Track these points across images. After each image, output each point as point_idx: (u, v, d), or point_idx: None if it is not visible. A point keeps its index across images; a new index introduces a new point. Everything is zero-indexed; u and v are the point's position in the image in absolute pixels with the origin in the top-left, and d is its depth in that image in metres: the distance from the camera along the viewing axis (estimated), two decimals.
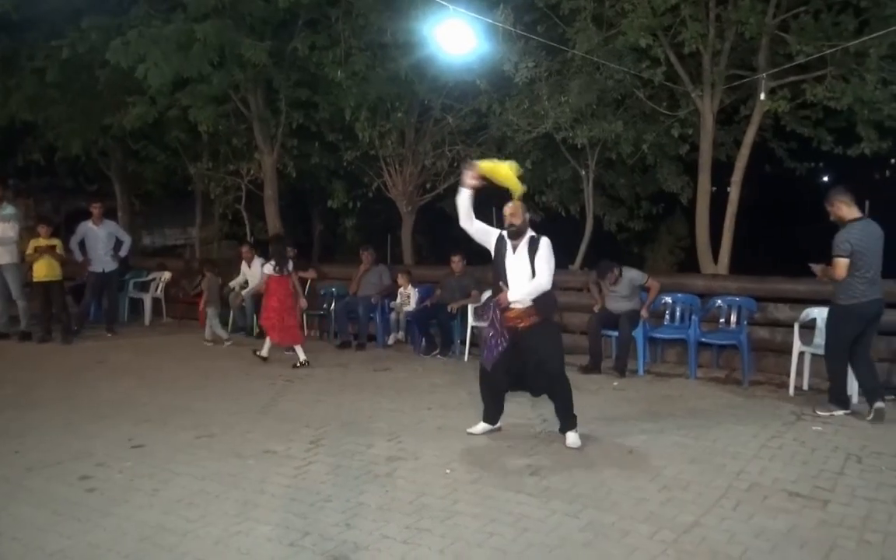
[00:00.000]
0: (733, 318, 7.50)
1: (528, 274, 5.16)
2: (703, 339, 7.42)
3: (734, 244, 8.90)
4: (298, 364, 7.87)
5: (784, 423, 5.66)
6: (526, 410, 6.07)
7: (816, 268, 6.01)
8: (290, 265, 8.30)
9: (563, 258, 10.21)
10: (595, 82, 8.85)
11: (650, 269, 9.65)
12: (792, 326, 6.77)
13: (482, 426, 5.47)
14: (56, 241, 9.57)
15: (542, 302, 5.21)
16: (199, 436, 5.47)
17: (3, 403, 6.51)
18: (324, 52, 9.79)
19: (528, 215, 5.34)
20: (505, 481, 4.50)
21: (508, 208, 5.25)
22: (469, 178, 5.18)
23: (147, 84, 9.23)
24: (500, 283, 5.24)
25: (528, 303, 5.16)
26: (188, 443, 5.32)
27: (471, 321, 8.41)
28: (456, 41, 8.01)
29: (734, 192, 8.87)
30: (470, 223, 5.30)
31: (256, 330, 9.78)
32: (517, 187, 5.26)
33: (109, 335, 9.99)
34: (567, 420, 5.28)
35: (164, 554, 3.60)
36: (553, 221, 11.91)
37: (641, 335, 7.51)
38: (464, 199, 5.22)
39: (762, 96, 8.17)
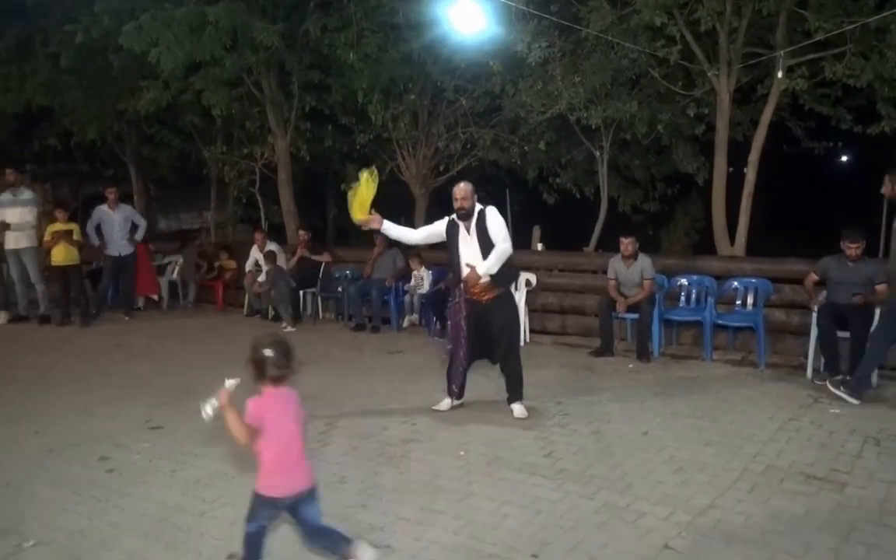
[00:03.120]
0: (750, 300, 7.44)
1: (481, 250, 5.24)
2: (719, 321, 7.35)
3: (751, 226, 8.81)
4: None
5: (801, 406, 5.62)
6: (539, 392, 6.07)
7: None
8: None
9: (577, 240, 10.22)
10: (609, 62, 8.76)
11: (665, 251, 9.60)
12: (809, 308, 6.71)
13: (447, 402, 5.60)
14: (73, 226, 9.64)
15: (503, 273, 5.34)
16: (217, 417, 5.50)
17: (23, 385, 6.60)
18: (336, 34, 9.75)
19: (475, 195, 5.38)
20: (519, 463, 4.51)
21: (459, 191, 5.30)
22: (374, 224, 5.40)
23: (160, 68, 9.25)
24: (465, 265, 5.30)
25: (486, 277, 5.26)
26: (205, 424, 5.33)
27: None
28: (468, 21, 7.97)
29: (751, 172, 8.77)
30: (414, 236, 5.59)
31: (272, 313, 9.84)
32: (361, 205, 5.35)
33: (126, 318, 10.07)
34: (516, 391, 5.49)
35: (181, 534, 3.64)
36: (567, 203, 11.90)
37: (657, 317, 7.46)
38: (390, 231, 5.48)
39: (780, 74, 8.05)
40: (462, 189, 5.30)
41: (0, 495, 4.16)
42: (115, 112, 11.42)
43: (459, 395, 5.64)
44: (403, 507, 3.89)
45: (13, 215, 9.48)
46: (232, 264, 11.13)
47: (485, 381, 6.05)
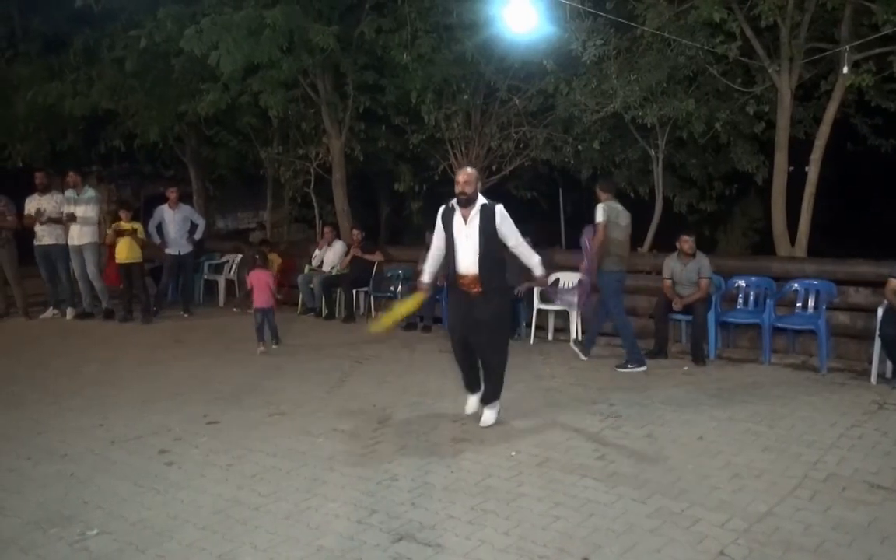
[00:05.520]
0: (811, 303, 7.22)
1: (479, 242, 5.08)
2: (779, 324, 7.16)
3: (812, 226, 8.55)
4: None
5: (865, 412, 5.43)
6: (592, 394, 6.02)
7: None
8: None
9: (632, 241, 10.07)
10: (666, 59, 8.61)
11: (722, 252, 9.38)
12: (874, 311, 6.47)
13: (472, 399, 5.47)
14: (137, 225, 9.94)
15: (496, 272, 5.16)
16: (271, 414, 5.63)
17: (88, 380, 6.85)
18: (390, 36, 9.84)
19: (479, 184, 5.28)
20: (570, 465, 4.47)
21: (463, 175, 5.16)
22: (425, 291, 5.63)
23: (219, 71, 9.46)
24: (454, 256, 5.20)
25: (476, 271, 5.11)
26: (260, 420, 5.49)
27: (536, 304, 8.36)
28: (522, 20, 7.92)
29: (813, 171, 8.50)
30: (437, 254, 5.41)
31: (325, 311, 9.98)
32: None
33: (186, 315, 10.35)
34: (493, 394, 5.30)
35: (237, 526, 3.73)
36: (621, 203, 11.73)
37: (713, 319, 7.30)
38: (433, 278, 5.54)
39: (845, 70, 7.77)
40: (467, 173, 5.15)
41: (66, 485, 4.32)
42: (176, 114, 11.72)
43: (475, 388, 5.46)
44: (454, 506, 3.90)
45: (76, 213, 9.86)
46: (277, 259, 11.32)
47: (535, 381, 6.02)
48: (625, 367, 6.90)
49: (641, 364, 6.90)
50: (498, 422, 5.31)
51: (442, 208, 5.32)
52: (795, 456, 4.55)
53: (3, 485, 4.32)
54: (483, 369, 5.37)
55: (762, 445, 4.75)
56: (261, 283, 8.11)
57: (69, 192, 10.01)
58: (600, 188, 7.25)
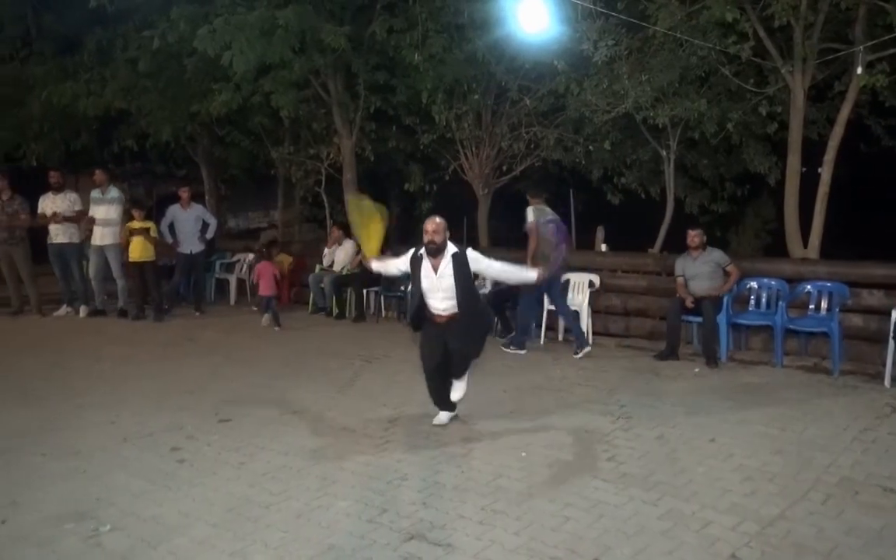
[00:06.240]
0: (824, 305, 7.17)
1: (455, 288, 5.08)
2: (791, 326, 7.12)
3: (826, 228, 8.48)
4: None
5: (878, 416, 5.39)
6: (602, 395, 6.01)
7: None
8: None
9: (642, 241, 10.05)
10: (678, 59, 8.57)
11: (734, 254, 9.32)
12: (888, 314, 6.43)
13: (444, 415, 5.39)
14: (150, 224, 10.01)
15: (471, 299, 5.24)
16: (282, 412, 5.66)
17: (101, 377, 6.90)
18: (401, 36, 9.85)
19: (447, 233, 5.21)
20: (581, 466, 4.47)
21: (431, 224, 5.12)
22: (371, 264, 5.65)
23: (232, 71, 9.51)
24: (429, 299, 5.22)
25: (455, 308, 5.14)
26: (271, 419, 5.51)
27: (546, 305, 8.35)
28: (533, 21, 7.92)
29: (826, 172, 8.43)
30: (387, 269, 5.64)
31: (336, 311, 10.01)
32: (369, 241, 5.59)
33: (197, 314, 10.40)
34: (462, 370, 5.32)
35: (248, 524, 3.75)
36: (632, 204, 11.71)
37: (724, 320, 7.27)
38: (382, 268, 5.64)
39: (859, 70, 7.70)
40: (436, 222, 5.11)
41: (79, 481, 4.36)
42: (189, 114, 11.78)
43: (448, 407, 5.41)
44: (464, 506, 3.91)
45: (100, 212, 9.96)
46: (287, 259, 11.36)
47: (545, 381, 6.02)
48: (508, 346, 7.79)
49: (521, 348, 7.74)
50: (507, 422, 5.31)
51: (411, 252, 5.29)
52: (808, 459, 4.53)
53: (18, 480, 4.36)
54: (454, 374, 5.35)
55: (774, 448, 4.73)
56: (266, 274, 9.55)
57: (94, 192, 10.10)
58: (530, 194, 8.04)
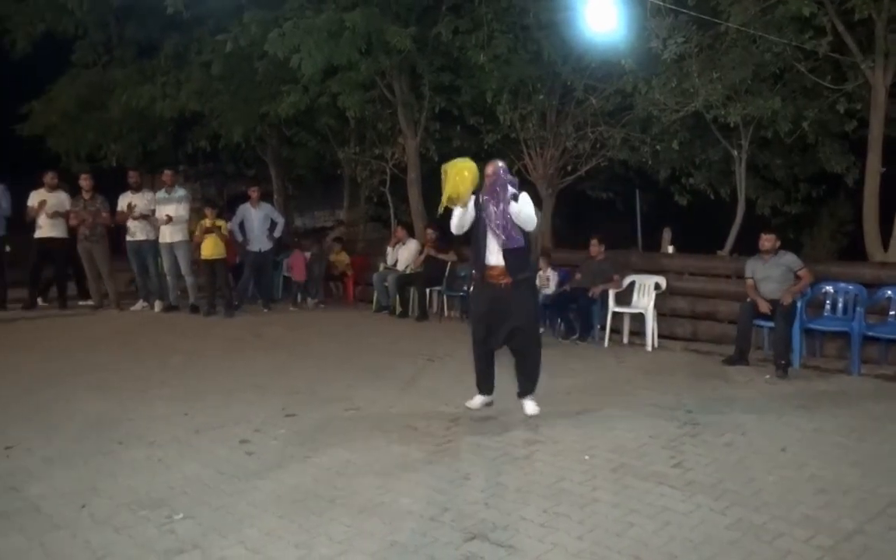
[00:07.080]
0: None
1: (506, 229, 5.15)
2: (870, 333, 6.84)
3: None
4: None
5: None
6: (668, 399, 5.89)
7: None
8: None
9: (710, 243, 9.78)
10: (751, 56, 8.34)
11: (807, 257, 9.01)
12: None
13: (479, 399, 5.52)
14: (221, 223, 10.32)
15: (519, 261, 5.21)
16: (347, 408, 5.75)
17: (174, 370, 7.14)
18: (466, 36, 9.88)
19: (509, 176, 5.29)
20: (646, 471, 4.39)
21: (490, 166, 5.32)
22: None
23: (300, 73, 9.71)
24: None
25: (503, 263, 5.16)
26: (336, 415, 5.60)
27: (611, 306, 8.24)
28: (600, 20, 7.82)
29: None
30: (462, 229, 5.42)
31: (399, 309, 10.10)
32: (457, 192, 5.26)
33: (265, 311, 10.67)
34: (529, 385, 5.34)
35: (314, 517, 3.82)
36: (700, 205, 11.42)
37: (798, 326, 7.03)
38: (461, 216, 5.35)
39: None
40: (493, 165, 5.36)
41: (154, 470, 4.52)
42: (259, 115, 12.10)
43: (489, 390, 5.54)
44: (527, 508, 3.89)
45: (168, 211, 10.30)
46: (345, 258, 11.49)
47: (610, 384, 5.94)
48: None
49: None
50: (570, 424, 5.27)
51: (472, 202, 5.37)
52: (887, 472, 4.33)
53: (97, 467, 4.55)
54: (520, 363, 5.44)
55: (851, 460, 4.55)
56: (298, 262, 11.11)
57: (160, 192, 10.47)
58: None
